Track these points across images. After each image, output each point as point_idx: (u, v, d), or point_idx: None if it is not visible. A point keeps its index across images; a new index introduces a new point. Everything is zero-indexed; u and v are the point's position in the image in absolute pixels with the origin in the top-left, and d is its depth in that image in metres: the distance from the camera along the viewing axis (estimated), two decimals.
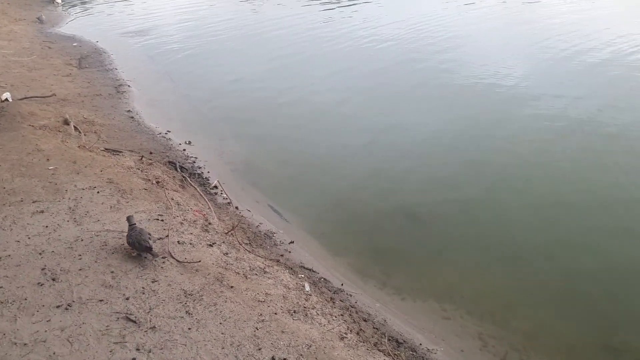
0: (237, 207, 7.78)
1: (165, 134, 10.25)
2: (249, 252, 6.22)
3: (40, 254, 5.56)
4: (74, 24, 19.34)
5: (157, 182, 7.36)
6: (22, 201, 6.51)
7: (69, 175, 7.23)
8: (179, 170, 8.45)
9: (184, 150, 9.60)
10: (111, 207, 6.57)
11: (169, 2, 24.20)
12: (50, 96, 10.96)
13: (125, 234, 5.41)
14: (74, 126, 9.50)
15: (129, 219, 5.46)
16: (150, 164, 8.23)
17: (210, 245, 6.04)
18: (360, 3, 23.46)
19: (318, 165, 9.02)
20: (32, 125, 9.01)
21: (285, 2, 24.35)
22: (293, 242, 7.01)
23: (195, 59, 15.27)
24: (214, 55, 15.54)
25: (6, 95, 10.30)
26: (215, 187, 8.29)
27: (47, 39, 16.74)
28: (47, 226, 6.04)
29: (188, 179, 8.07)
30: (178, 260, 5.54)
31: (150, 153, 9.17)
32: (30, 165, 7.40)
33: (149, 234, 5.37)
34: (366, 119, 10.82)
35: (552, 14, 20.20)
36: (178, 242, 5.94)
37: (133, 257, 5.37)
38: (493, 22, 18.78)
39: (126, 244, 5.34)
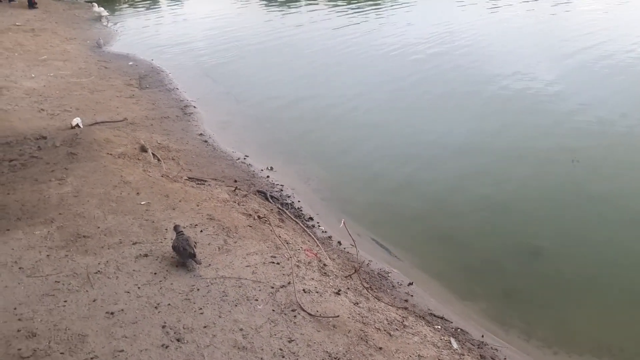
0: (339, 242, 7.09)
1: (244, 159, 9.66)
2: (378, 299, 5.51)
3: (156, 307, 4.95)
4: (124, 41, 19.01)
5: (259, 217, 6.71)
6: (121, 243, 5.93)
7: (165, 211, 6.63)
8: (270, 200, 7.80)
9: (268, 177, 8.98)
10: (219, 248, 5.94)
11: (201, 13, 23.85)
12: (122, 121, 10.46)
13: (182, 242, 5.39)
14: (152, 153, 8.92)
15: (176, 227, 5.45)
16: (245, 195, 7.60)
17: (337, 293, 5.36)
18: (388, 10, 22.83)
19: (415, 193, 8.34)
20: (111, 154, 8.48)
21: (317, 9, 23.68)
22: (412, 283, 6.32)
23: (252, 75, 14.80)
24: (270, 70, 15.06)
25: (77, 120, 9.83)
26: (311, 218, 7.62)
27: (102, 58, 16.35)
28: (155, 273, 5.43)
29: (286, 211, 7.40)
30: (310, 314, 4.85)
31: (235, 181, 8.56)
32: (120, 201, 6.82)
33: (195, 242, 5.37)
34: (462, 137, 10.05)
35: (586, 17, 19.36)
36: (304, 290, 5.28)
37: (177, 266, 5.38)
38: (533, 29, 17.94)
39: (171, 250, 5.36)
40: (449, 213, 7.84)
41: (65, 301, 5.03)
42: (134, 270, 5.50)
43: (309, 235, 6.85)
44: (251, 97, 13.30)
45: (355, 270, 5.91)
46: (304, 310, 4.94)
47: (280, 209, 7.50)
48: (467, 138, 10.13)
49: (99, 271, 5.47)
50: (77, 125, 9.79)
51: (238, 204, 7.21)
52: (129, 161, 8.45)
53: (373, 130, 10.82)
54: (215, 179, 8.65)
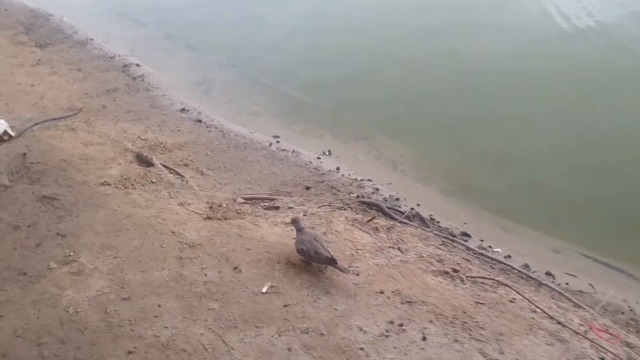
0: (550, 274, 4.57)
1: (278, 143, 6.73)
2: None
3: None
4: None
5: (460, 274, 3.99)
6: None
7: (315, 303, 3.67)
8: (397, 218, 5.01)
9: (338, 169, 6.12)
10: None
11: None
12: (76, 113, 6.76)
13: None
14: (163, 165, 5.60)
15: (295, 221, 4.04)
16: (390, 228, 4.73)
17: None
18: None
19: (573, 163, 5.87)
20: (108, 183, 5.12)
21: None
22: None
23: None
24: None
25: (2, 125, 5.99)
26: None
27: None
28: None
29: (464, 242, 4.69)
30: None
31: (307, 188, 5.64)
32: (218, 293, 3.81)
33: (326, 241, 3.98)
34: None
35: None
36: None
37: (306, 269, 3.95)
38: None
39: (296, 252, 3.96)
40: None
41: None
42: None
43: (542, 284, 4.23)
44: (201, 36, 9.75)
45: None
46: None
47: (444, 238, 4.73)
48: None
49: None
50: (6, 133, 5.98)
51: (400, 249, 4.36)
52: (146, 191, 5.13)
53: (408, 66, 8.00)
54: (278, 191, 5.61)
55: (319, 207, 5.20)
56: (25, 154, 5.52)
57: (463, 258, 4.51)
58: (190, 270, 4.08)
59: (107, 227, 4.48)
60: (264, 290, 3.88)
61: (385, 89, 7.48)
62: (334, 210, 5.08)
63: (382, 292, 3.85)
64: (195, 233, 4.46)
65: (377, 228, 4.69)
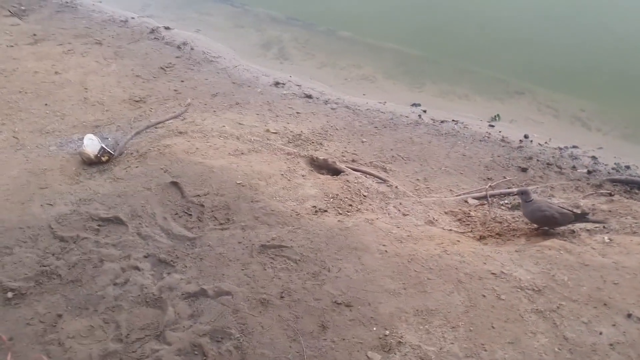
0: None
1: (424, 112, 5.57)
2: None
3: None
4: None
5: None
6: None
7: None
8: None
9: (527, 137, 5.23)
10: None
11: None
12: (186, 110, 5.08)
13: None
14: (351, 168, 4.30)
15: (526, 193, 3.65)
16: None
17: None
18: None
19: None
20: (322, 209, 3.95)
21: None
22: None
23: None
24: None
25: (91, 142, 4.33)
26: None
27: None
28: None
29: None
30: None
31: (523, 170, 4.66)
32: None
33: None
34: None
35: None
36: None
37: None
38: None
39: (526, 220, 3.72)
40: None
41: None
42: None
43: None
44: None
45: None
46: None
47: None
48: None
49: None
50: (104, 151, 4.31)
51: None
52: (373, 211, 3.94)
53: None
54: (494, 181, 4.50)
55: (584, 197, 4.12)
56: (176, 183, 3.90)
57: None
58: (571, 330, 2.96)
59: (398, 282, 3.19)
60: None
61: (508, 28, 6.33)
62: (612, 201, 4.03)
63: None
64: (522, 270, 3.29)
65: None
